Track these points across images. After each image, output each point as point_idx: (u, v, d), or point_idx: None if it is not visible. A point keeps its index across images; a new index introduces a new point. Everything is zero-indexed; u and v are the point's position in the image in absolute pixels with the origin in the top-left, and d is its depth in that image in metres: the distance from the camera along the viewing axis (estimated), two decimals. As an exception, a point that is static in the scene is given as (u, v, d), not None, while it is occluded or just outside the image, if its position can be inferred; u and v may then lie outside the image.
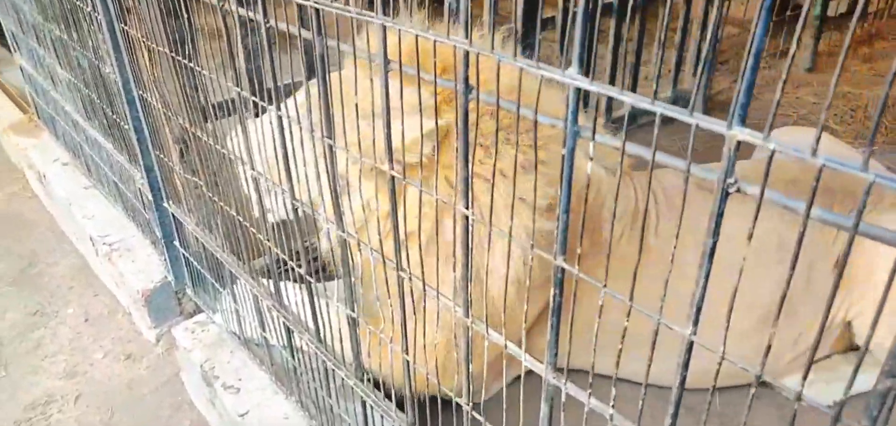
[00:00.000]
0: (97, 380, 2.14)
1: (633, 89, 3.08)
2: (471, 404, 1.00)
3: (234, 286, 1.72)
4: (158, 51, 1.55)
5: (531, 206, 1.39)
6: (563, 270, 0.77)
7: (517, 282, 1.53)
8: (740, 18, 4.42)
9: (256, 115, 1.92)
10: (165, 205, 1.91)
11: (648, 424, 0.71)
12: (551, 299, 0.80)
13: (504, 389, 0.97)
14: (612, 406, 0.76)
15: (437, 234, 1.22)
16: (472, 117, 0.84)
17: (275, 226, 1.40)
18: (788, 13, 3.93)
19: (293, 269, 1.33)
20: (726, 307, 0.63)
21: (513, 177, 0.89)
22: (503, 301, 1.47)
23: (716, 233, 0.62)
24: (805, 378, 0.59)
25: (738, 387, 1.77)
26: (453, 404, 1.05)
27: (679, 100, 3.51)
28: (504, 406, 0.92)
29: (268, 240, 1.41)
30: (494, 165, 0.80)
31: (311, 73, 1.85)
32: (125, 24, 1.69)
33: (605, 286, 0.72)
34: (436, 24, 1.54)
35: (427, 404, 1.20)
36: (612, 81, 3.09)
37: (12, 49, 3.30)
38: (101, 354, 2.26)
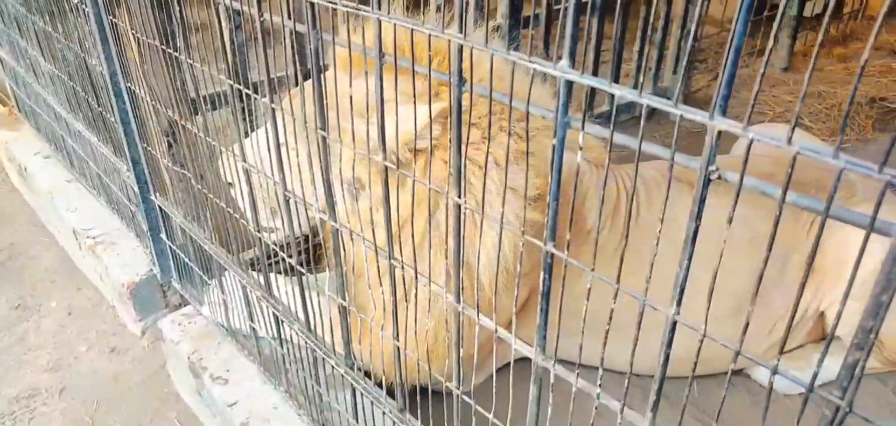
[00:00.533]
0: (82, 373, 2.14)
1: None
2: (461, 389, 1.03)
3: (222, 278, 1.73)
4: (148, 43, 1.56)
5: (520, 196, 1.43)
6: (552, 256, 0.81)
7: (505, 270, 1.57)
8: (719, 18, 4.51)
9: (244, 109, 1.94)
10: (152, 197, 1.91)
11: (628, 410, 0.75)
12: (541, 283, 0.83)
13: (494, 373, 1.00)
14: (599, 386, 0.80)
15: (429, 223, 1.25)
16: (466, 102, 0.87)
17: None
18: (766, 13, 4.03)
19: (284, 261, 1.35)
20: (700, 296, 0.66)
21: (505, 165, 0.93)
22: (493, 287, 1.50)
23: (698, 217, 0.65)
24: (781, 352, 0.63)
25: (713, 375, 1.83)
26: (444, 390, 1.08)
27: (659, 97, 3.57)
28: (493, 388, 0.95)
29: (258, 233, 1.43)
30: (487, 154, 0.83)
31: (303, 67, 1.86)
32: (114, 17, 1.69)
33: (592, 270, 0.76)
34: (416, 15, 1.57)
35: (417, 394, 1.23)
36: (642, 85, 3.14)
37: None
38: (85, 347, 2.25)
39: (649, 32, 3.18)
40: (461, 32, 0.81)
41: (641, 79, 0.70)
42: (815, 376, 0.60)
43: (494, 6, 3.01)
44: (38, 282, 2.60)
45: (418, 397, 1.21)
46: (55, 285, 2.57)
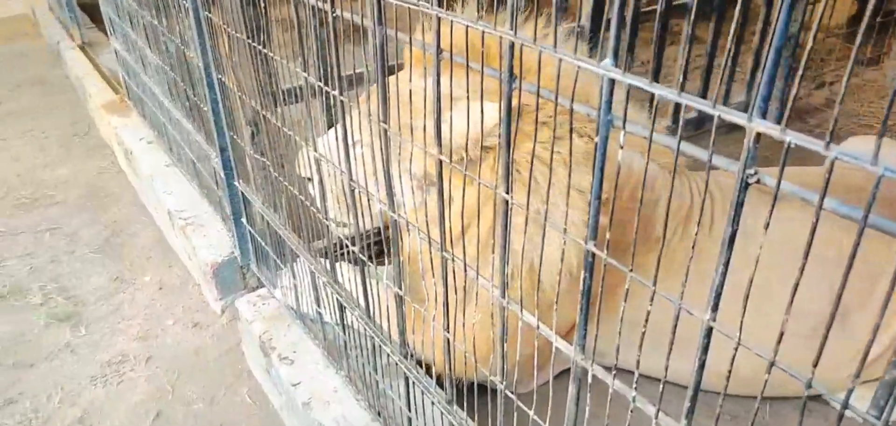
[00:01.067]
0: (167, 345, 2.29)
1: (704, 93, 3.03)
2: (504, 383, 1.04)
3: (294, 264, 1.82)
4: (237, 37, 1.66)
5: (586, 198, 1.42)
6: (593, 255, 0.81)
7: (570, 274, 1.56)
8: (824, 23, 4.26)
9: (324, 104, 2.02)
10: (236, 183, 2.03)
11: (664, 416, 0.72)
12: (581, 283, 0.83)
13: (535, 373, 1.00)
14: (635, 388, 0.79)
15: (494, 221, 1.27)
16: (532, 101, 0.88)
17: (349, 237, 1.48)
18: (879, 19, 3.77)
19: (350, 251, 1.40)
20: (779, 314, 0.63)
21: (570, 165, 0.93)
22: (555, 290, 1.49)
23: (735, 221, 0.64)
24: (853, 385, 0.60)
25: (787, 398, 1.74)
26: (489, 386, 1.09)
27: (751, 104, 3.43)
28: (534, 387, 0.95)
29: (326, 221, 1.50)
30: (532, 155, 0.84)
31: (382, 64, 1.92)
32: (209, 12, 1.81)
33: (631, 270, 0.75)
34: (493, 16, 1.59)
35: (474, 390, 1.24)
36: (682, 84, 3.04)
37: (109, 33, 3.55)
38: (171, 321, 2.41)
39: (738, 39, 3.05)
40: (512, 30, 0.82)
41: (678, 77, 0.69)
42: (849, 394, 0.57)
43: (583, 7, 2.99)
44: (135, 258, 2.80)
45: (475, 392, 1.23)
46: (150, 261, 2.77)
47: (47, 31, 5.30)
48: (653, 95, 0.68)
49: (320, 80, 1.35)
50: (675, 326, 0.72)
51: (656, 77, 0.72)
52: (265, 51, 1.56)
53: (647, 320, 0.75)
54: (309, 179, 1.67)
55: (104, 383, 2.14)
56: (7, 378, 2.16)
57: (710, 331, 0.69)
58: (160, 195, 2.77)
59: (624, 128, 0.72)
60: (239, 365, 2.17)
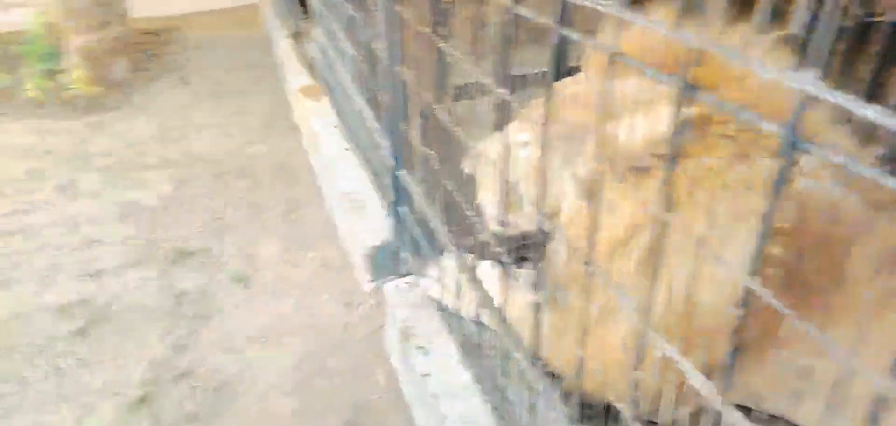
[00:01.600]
0: (319, 318, 2.44)
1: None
2: (632, 411, 0.96)
3: (442, 257, 1.84)
4: (421, 31, 1.72)
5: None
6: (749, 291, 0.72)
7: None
8: None
9: (502, 104, 2.03)
10: (400, 172, 2.11)
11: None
12: (735, 319, 0.75)
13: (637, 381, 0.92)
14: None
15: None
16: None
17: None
18: None
19: (495, 251, 1.39)
20: None
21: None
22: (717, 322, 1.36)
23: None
24: None
25: None
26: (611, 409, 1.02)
27: None
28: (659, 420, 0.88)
29: (477, 221, 1.50)
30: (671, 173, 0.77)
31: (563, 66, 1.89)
32: (399, 6, 1.90)
33: (789, 311, 0.66)
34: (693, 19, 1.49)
35: (590, 410, 1.18)
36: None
37: (315, 23, 3.87)
38: (327, 296, 2.56)
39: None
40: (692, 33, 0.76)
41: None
42: None
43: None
44: (306, 234, 3.02)
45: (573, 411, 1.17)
46: (318, 239, 2.97)
47: (266, 19, 5.91)
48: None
49: (493, 79, 1.35)
50: (835, 382, 0.62)
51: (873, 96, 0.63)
52: (445, 46, 1.60)
53: (805, 370, 0.66)
54: (471, 175, 1.69)
55: (262, 344, 2.32)
56: (187, 328, 2.41)
57: (882, 400, 0.59)
58: (335, 178, 2.96)
59: (809, 151, 0.64)
60: (380, 347, 2.25)
